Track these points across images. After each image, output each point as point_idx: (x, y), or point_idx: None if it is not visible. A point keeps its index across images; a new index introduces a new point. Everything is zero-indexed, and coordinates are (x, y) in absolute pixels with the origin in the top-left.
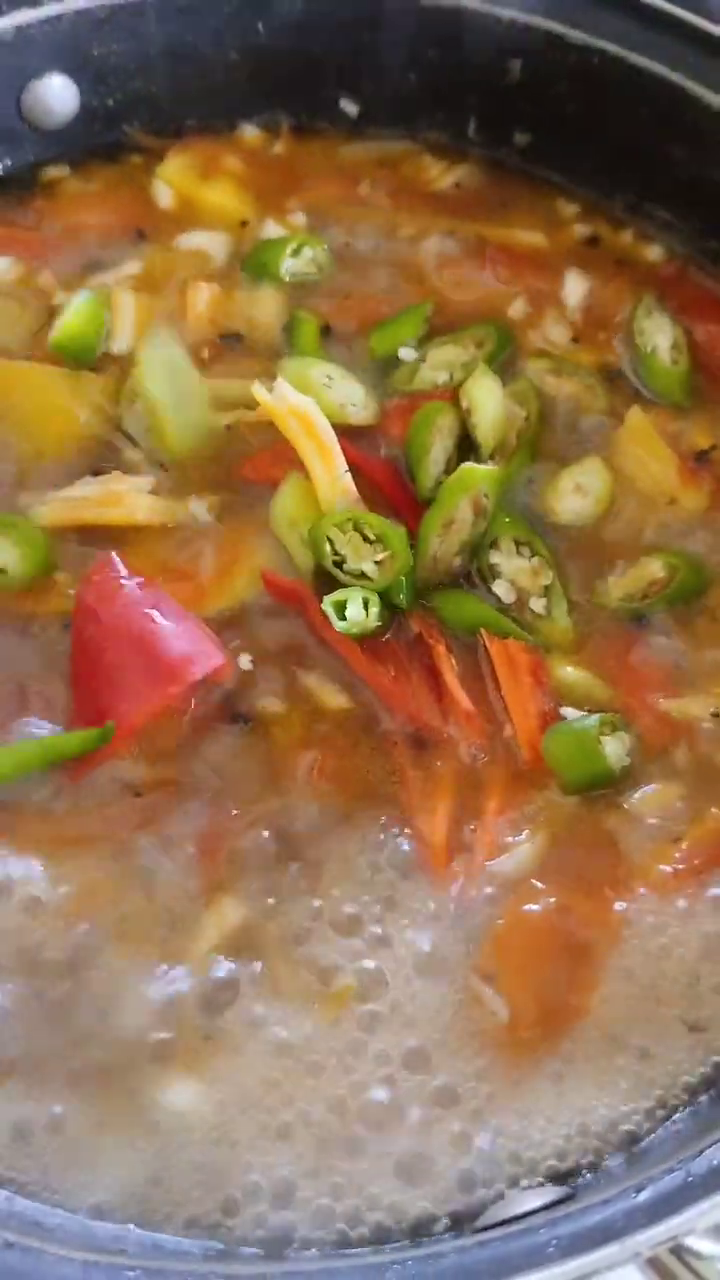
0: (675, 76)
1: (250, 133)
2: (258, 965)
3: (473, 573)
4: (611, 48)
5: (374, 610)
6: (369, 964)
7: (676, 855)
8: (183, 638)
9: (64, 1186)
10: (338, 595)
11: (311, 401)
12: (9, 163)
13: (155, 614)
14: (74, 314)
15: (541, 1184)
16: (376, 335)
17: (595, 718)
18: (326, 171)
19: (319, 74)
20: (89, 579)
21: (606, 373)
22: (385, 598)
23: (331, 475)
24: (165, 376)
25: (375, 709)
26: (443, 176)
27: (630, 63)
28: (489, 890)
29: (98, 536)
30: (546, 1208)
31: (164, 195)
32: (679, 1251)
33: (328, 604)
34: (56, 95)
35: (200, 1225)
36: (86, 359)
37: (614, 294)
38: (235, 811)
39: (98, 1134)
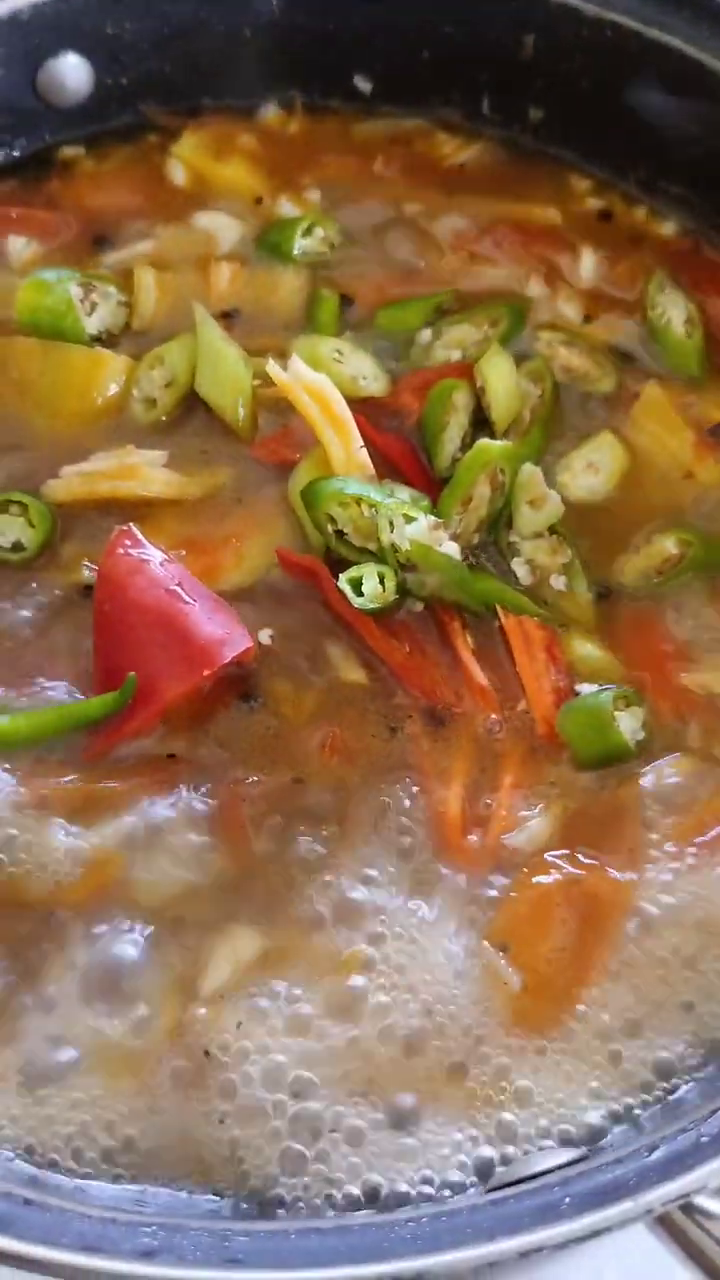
0: (690, 50)
1: (265, 111)
2: (270, 934)
3: (489, 549)
4: (625, 21)
5: (390, 585)
6: (383, 935)
7: (689, 829)
8: (212, 619)
9: (83, 1146)
10: (353, 572)
11: (326, 378)
12: (25, 142)
13: (181, 592)
14: (26, 289)
15: (554, 1147)
16: (385, 313)
17: (610, 692)
18: (340, 149)
19: (333, 51)
20: (111, 551)
21: (618, 349)
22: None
23: (347, 451)
24: (216, 347)
25: (390, 684)
26: (456, 153)
27: (645, 37)
28: (503, 863)
29: (113, 510)
30: (560, 1168)
31: (179, 174)
32: (689, 1209)
33: (344, 581)
34: (71, 74)
35: (217, 1183)
36: (74, 333)
37: (626, 270)
38: (251, 780)
39: (116, 1097)
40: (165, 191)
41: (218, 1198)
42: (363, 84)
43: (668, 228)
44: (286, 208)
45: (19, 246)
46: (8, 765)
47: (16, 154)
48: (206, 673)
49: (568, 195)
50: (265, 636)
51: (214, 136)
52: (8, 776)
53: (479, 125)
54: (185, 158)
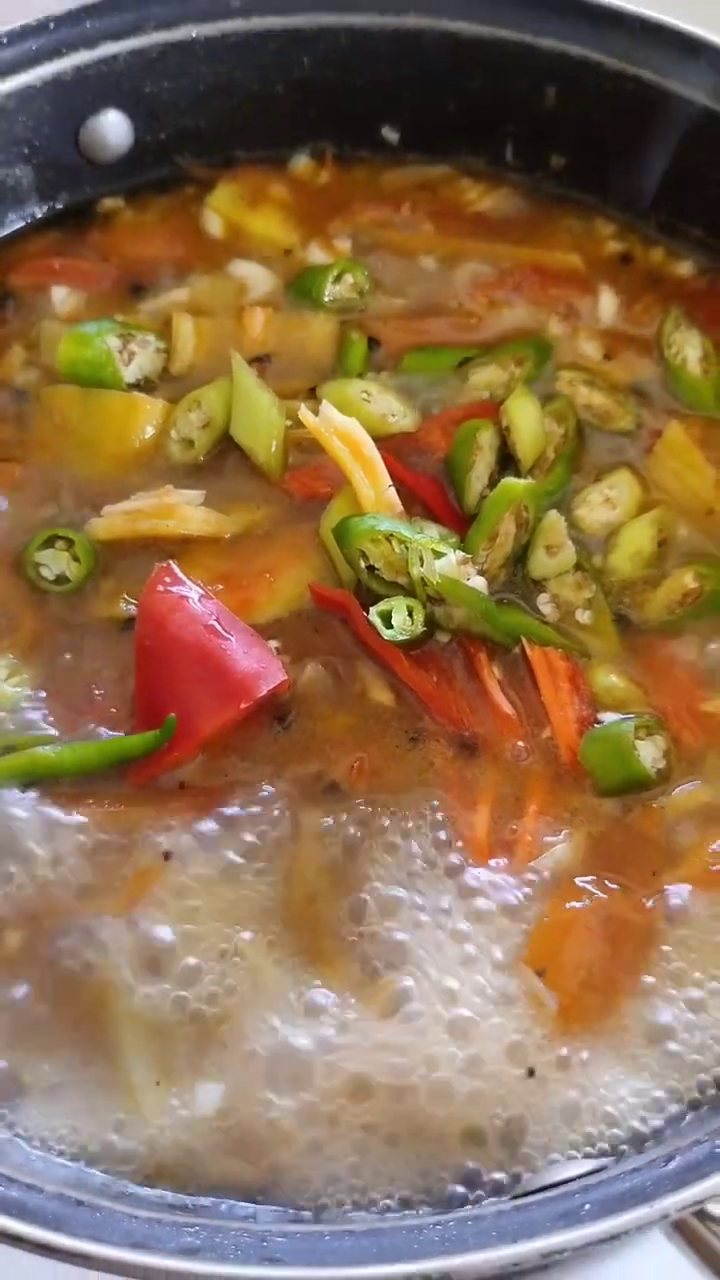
0: (710, 102)
1: (296, 161)
2: (304, 957)
3: (515, 582)
4: (646, 74)
5: (418, 617)
6: (416, 955)
7: (710, 854)
8: (248, 654)
9: (123, 1155)
10: (383, 605)
11: (355, 422)
12: (67, 195)
13: (218, 627)
14: (67, 343)
15: (579, 1157)
16: (412, 358)
17: (630, 721)
18: (369, 196)
19: (361, 104)
20: (152, 588)
21: (638, 387)
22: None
23: (377, 490)
24: (251, 394)
25: (418, 712)
26: (481, 199)
27: (665, 88)
28: (530, 889)
29: (151, 547)
30: (580, 1177)
31: (214, 224)
32: (703, 1216)
33: (374, 614)
34: (112, 130)
35: (254, 1189)
36: (113, 382)
37: (645, 310)
38: (285, 796)
39: (153, 1108)
40: (201, 241)
41: (254, 1202)
42: (390, 134)
43: (684, 267)
44: (317, 255)
45: (61, 296)
46: (51, 792)
47: (59, 206)
48: (244, 706)
49: (589, 239)
50: (291, 663)
51: (248, 187)
52: (51, 802)
53: (502, 172)
54: (220, 208)
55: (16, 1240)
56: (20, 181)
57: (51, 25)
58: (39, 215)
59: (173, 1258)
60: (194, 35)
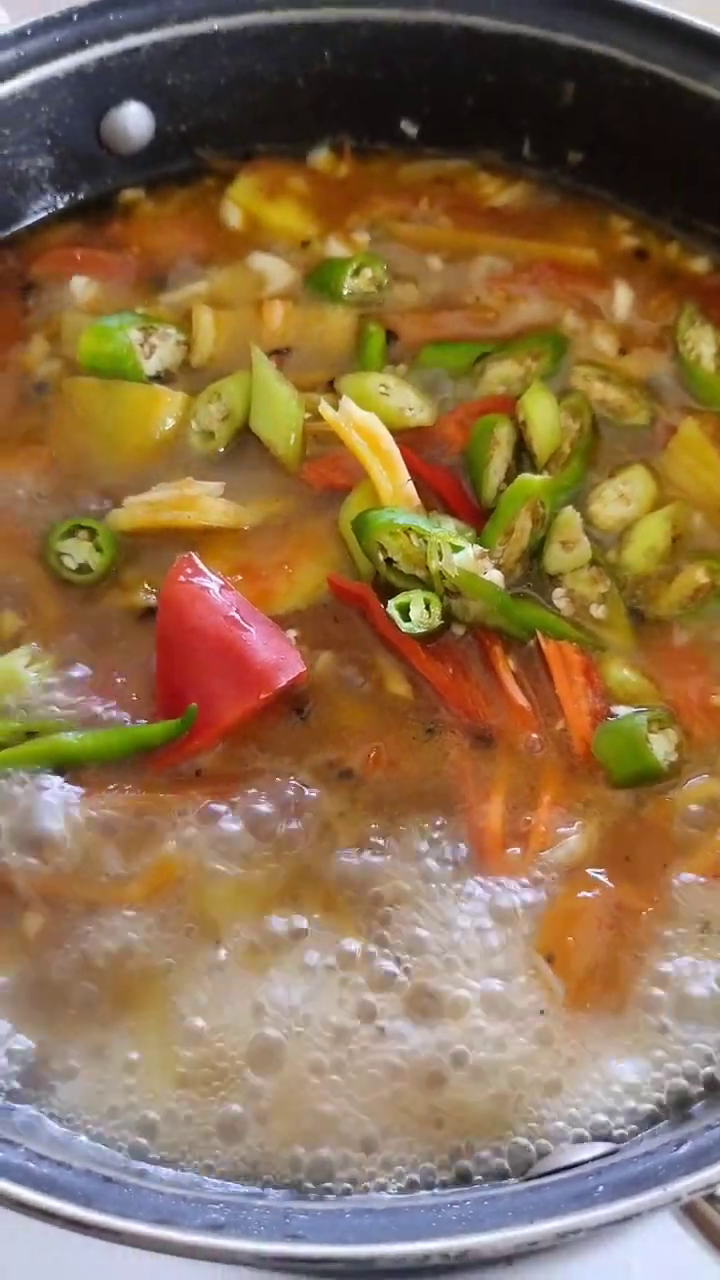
0: None
1: (315, 154)
2: (318, 944)
3: (530, 576)
4: (664, 71)
5: (435, 610)
6: (429, 942)
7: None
8: (268, 645)
9: (145, 1131)
10: (401, 598)
11: (374, 417)
12: (88, 186)
13: (238, 618)
14: (88, 336)
15: (590, 1140)
16: (429, 352)
17: (644, 714)
18: (387, 189)
19: (381, 98)
20: (173, 579)
21: (652, 382)
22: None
23: (395, 484)
24: (271, 387)
25: (434, 704)
26: (498, 194)
27: (680, 85)
28: (543, 878)
29: (171, 537)
30: (593, 1159)
31: (234, 216)
32: (713, 1199)
33: (392, 607)
34: (134, 122)
35: (274, 1170)
36: (134, 374)
37: (660, 306)
38: (304, 785)
39: (168, 1092)
40: (221, 233)
41: (275, 1185)
42: (409, 128)
43: (699, 264)
44: (335, 248)
45: (81, 286)
46: (75, 778)
47: (81, 197)
48: (263, 696)
49: (604, 234)
50: (310, 654)
51: (267, 180)
52: (75, 788)
53: (519, 167)
54: (239, 200)
55: (49, 1216)
56: (42, 172)
57: (75, 17)
58: (60, 206)
59: (198, 1234)
60: (216, 28)
